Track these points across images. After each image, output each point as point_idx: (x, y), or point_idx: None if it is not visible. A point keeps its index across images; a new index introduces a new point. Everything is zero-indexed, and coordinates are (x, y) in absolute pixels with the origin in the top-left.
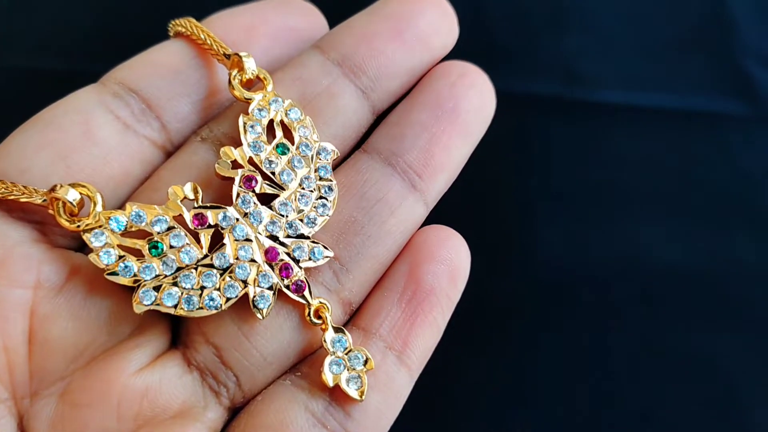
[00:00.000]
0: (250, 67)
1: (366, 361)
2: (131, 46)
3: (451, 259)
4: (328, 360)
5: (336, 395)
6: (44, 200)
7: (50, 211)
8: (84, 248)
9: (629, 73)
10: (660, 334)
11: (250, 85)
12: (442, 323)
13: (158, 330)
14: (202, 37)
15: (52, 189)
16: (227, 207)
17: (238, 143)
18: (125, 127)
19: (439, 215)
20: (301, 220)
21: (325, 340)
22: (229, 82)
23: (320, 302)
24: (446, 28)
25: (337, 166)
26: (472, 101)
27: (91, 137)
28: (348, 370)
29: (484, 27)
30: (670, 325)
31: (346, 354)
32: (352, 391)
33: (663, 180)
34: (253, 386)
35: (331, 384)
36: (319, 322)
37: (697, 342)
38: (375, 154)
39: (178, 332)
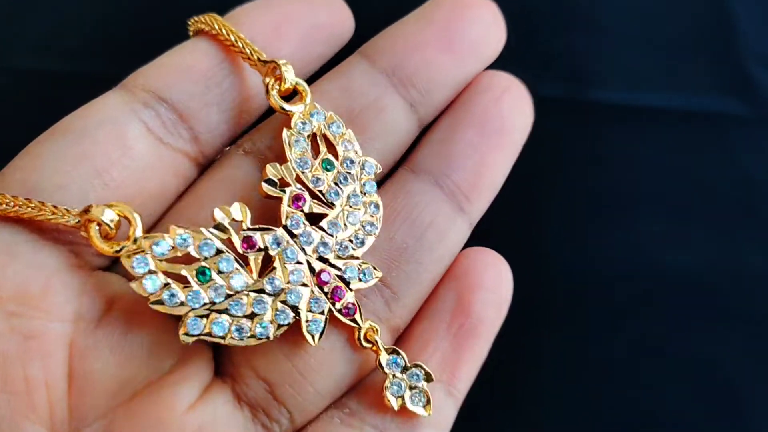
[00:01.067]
0: (290, 77)
1: (427, 376)
2: (134, 47)
3: (498, 287)
4: (387, 383)
5: (402, 415)
6: (78, 221)
7: (83, 233)
8: (113, 266)
9: (631, 73)
10: (662, 336)
11: (287, 94)
12: (486, 351)
13: (202, 360)
14: (232, 38)
15: (86, 210)
16: (276, 228)
17: (281, 157)
18: (158, 140)
19: None
20: (351, 241)
21: (380, 363)
22: (267, 91)
23: (370, 325)
24: (496, 36)
25: (380, 182)
26: (518, 118)
27: (128, 151)
28: (409, 389)
29: None
30: (672, 326)
31: (404, 373)
32: (418, 409)
33: (664, 180)
34: (305, 420)
35: (397, 407)
36: (369, 345)
37: (699, 343)
38: (423, 175)
39: (220, 361)
